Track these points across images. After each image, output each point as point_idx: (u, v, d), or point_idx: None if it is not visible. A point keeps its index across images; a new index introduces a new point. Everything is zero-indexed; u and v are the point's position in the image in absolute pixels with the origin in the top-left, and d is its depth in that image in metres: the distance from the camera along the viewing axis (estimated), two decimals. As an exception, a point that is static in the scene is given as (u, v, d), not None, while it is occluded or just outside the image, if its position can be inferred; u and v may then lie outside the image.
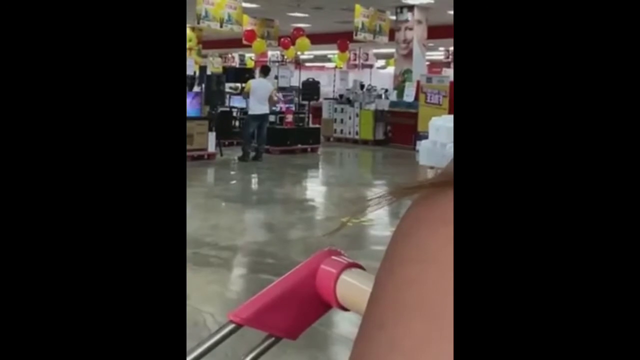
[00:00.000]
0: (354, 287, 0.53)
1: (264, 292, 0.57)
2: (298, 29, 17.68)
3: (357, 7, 16.44)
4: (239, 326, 0.56)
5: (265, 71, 12.88)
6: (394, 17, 17.20)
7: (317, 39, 19.10)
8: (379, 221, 7.49)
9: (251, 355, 0.57)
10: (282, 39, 18.57)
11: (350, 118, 16.59)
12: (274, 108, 13.00)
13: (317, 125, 15.62)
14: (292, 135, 13.91)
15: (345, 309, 0.56)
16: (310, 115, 15.45)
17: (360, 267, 0.56)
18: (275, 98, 12.96)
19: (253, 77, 13.05)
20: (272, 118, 13.61)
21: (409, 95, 15.62)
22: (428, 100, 14.17)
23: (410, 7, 16.73)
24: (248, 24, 18.37)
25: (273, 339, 0.58)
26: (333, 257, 0.57)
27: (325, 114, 17.22)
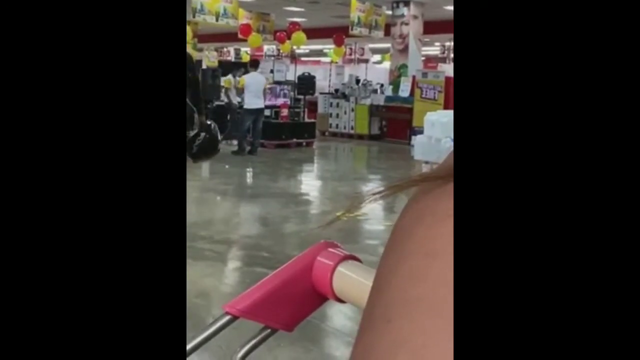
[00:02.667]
0: (351, 279, 0.53)
1: (260, 284, 0.57)
2: (294, 24, 17.64)
3: (353, 1, 16.42)
4: (234, 318, 0.55)
5: (254, 65, 12.84)
6: (390, 12, 17.19)
7: (313, 33, 19.06)
8: (374, 215, 7.50)
9: (247, 347, 0.57)
10: (278, 33, 18.51)
11: (345, 113, 16.59)
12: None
13: (312, 120, 15.61)
14: (288, 130, 13.89)
15: (341, 301, 0.55)
16: (306, 110, 15.44)
17: (357, 259, 0.56)
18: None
19: (246, 72, 13.00)
20: (267, 112, 13.61)
21: (404, 90, 15.62)
22: (423, 96, 14.17)
23: (406, 2, 16.73)
24: (244, 17, 18.33)
25: (269, 330, 0.58)
26: (329, 249, 0.57)
27: (320, 109, 17.21)
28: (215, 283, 4.98)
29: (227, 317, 0.56)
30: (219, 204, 8.18)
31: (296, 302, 0.58)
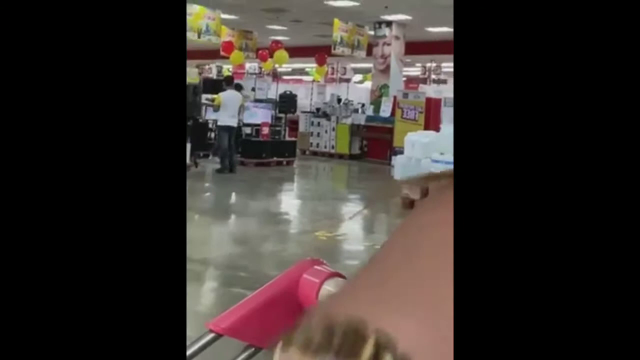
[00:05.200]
0: (337, 297, 0.52)
1: (244, 301, 0.56)
2: (276, 42, 17.71)
3: (336, 21, 16.52)
4: (218, 336, 0.54)
5: (229, 81, 12.80)
6: (372, 32, 17.32)
7: (296, 52, 19.14)
8: (353, 235, 7.50)
9: (230, 366, 0.56)
10: (260, 51, 18.57)
11: (326, 132, 16.64)
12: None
13: (293, 139, 15.63)
14: (268, 148, 13.89)
15: (327, 320, 0.54)
16: (287, 129, 15.47)
17: (343, 276, 0.55)
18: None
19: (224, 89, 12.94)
20: (247, 130, 13.59)
21: (385, 111, 15.71)
22: (404, 116, 14.25)
23: (389, 23, 16.86)
24: (226, 35, 18.37)
25: (252, 349, 0.57)
26: (315, 267, 0.56)
27: (301, 127, 17.26)
28: (190, 303, 4.94)
29: (211, 335, 0.54)
30: (197, 223, 8.13)
31: (281, 320, 0.57)
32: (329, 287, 0.54)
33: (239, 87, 12.92)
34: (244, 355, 0.58)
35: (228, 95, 12.24)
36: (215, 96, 12.53)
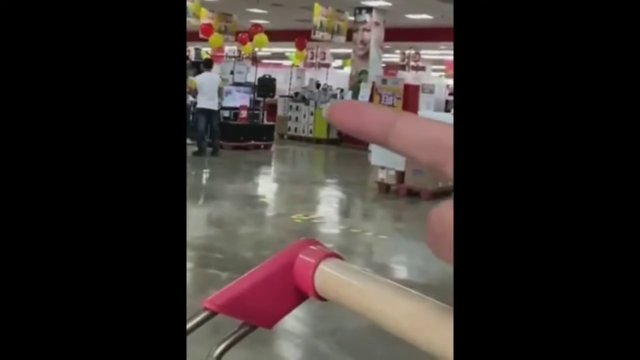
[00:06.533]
0: (333, 277, 0.52)
1: (240, 280, 0.56)
2: (256, 25, 17.61)
3: (316, 6, 16.46)
4: (213, 313, 0.54)
5: (208, 64, 12.70)
6: (352, 18, 17.29)
7: (275, 36, 19.04)
8: (328, 219, 7.52)
9: (225, 344, 0.56)
10: (240, 35, 18.45)
11: (305, 116, 16.63)
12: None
13: (271, 123, 15.60)
14: (246, 132, 13.84)
15: (322, 299, 0.54)
16: (265, 112, 15.43)
17: (339, 257, 0.55)
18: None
19: (199, 72, 12.81)
20: (226, 114, 13.51)
21: (364, 96, 15.70)
22: (382, 102, 14.23)
23: (369, 9, 16.85)
24: (205, 17, 18.24)
25: (247, 327, 0.57)
26: (311, 247, 0.56)
27: (280, 112, 17.23)
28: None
29: (206, 313, 0.54)
30: (174, 203, 8.09)
31: (277, 299, 0.58)
32: (325, 268, 0.54)
33: (209, 64, 12.81)
34: (238, 333, 0.58)
35: (204, 78, 12.16)
36: (191, 79, 12.43)
